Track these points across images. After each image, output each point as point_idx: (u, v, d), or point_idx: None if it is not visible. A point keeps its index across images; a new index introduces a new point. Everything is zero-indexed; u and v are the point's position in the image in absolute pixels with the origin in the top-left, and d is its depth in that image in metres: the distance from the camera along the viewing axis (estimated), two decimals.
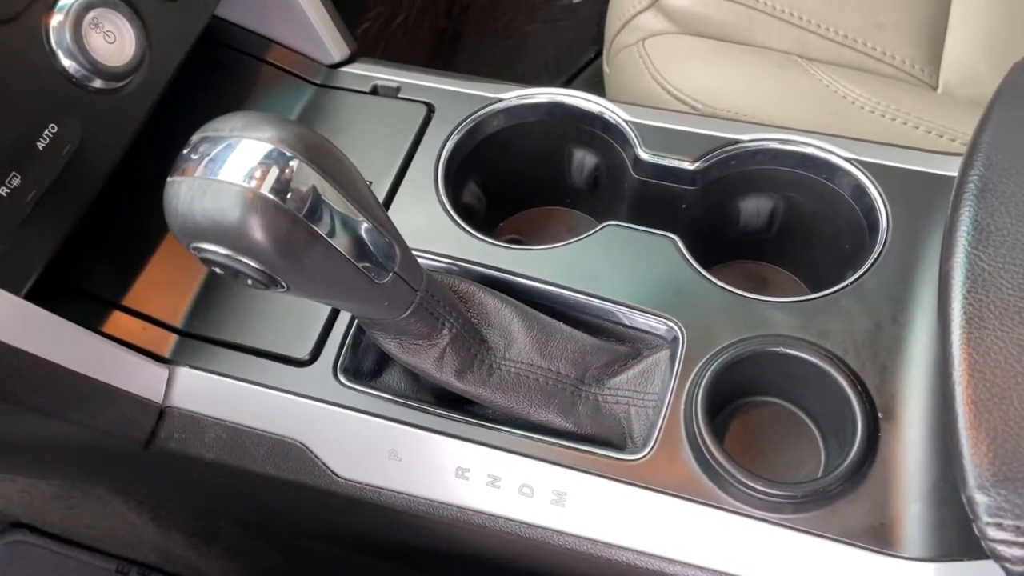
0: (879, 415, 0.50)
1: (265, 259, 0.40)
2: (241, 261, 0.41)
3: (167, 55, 0.56)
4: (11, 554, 1.14)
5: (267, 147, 0.40)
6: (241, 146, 0.40)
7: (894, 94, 0.84)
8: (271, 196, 0.39)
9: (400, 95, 0.70)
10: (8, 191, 0.48)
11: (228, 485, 0.63)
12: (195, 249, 0.41)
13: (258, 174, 0.39)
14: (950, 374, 0.39)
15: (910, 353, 0.52)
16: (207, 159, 0.40)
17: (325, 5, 0.69)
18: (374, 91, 0.71)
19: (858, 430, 0.49)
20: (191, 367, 0.58)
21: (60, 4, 0.50)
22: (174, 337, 0.59)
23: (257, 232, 0.39)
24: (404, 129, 0.66)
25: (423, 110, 0.68)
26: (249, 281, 0.43)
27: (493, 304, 0.55)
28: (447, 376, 0.53)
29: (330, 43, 0.70)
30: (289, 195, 0.40)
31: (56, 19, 0.50)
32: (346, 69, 0.72)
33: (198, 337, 0.59)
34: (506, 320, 0.55)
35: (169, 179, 0.41)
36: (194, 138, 0.41)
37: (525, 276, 0.58)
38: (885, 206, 0.59)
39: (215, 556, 0.94)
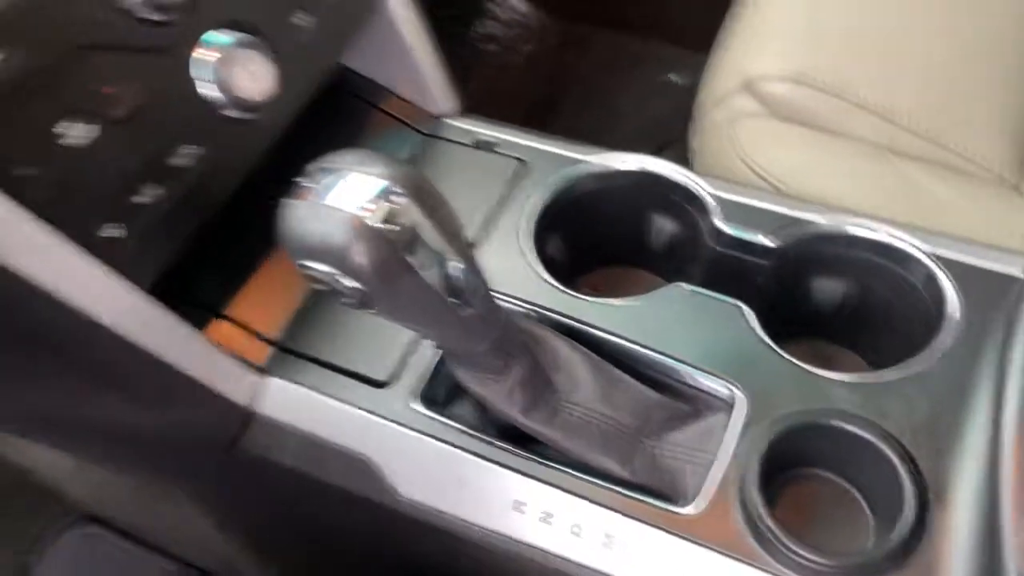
0: (930, 497, 0.51)
1: (364, 281, 0.45)
2: (341, 281, 0.45)
3: (296, 94, 0.62)
4: (83, 546, 1.20)
5: (378, 182, 0.44)
6: (355, 179, 0.45)
7: (981, 195, 0.85)
8: (376, 226, 0.43)
9: (496, 149, 0.75)
10: (142, 200, 0.54)
11: (301, 496, 0.67)
12: (301, 266, 0.46)
13: (367, 205, 0.44)
14: (998, 455, 0.40)
15: (968, 442, 0.53)
16: (323, 187, 0.45)
17: (438, 62, 0.75)
18: (473, 144, 0.76)
19: (908, 509, 0.50)
20: (281, 378, 0.62)
21: (207, 39, 0.57)
22: (269, 349, 0.63)
23: (360, 257, 0.43)
24: (497, 180, 0.71)
25: (516, 165, 0.72)
26: (344, 299, 0.47)
27: (564, 350, 0.58)
28: (514, 411, 0.56)
29: (439, 97, 0.76)
30: (392, 227, 0.44)
31: (202, 52, 0.56)
32: (450, 121, 0.78)
33: (290, 351, 0.63)
34: (574, 366, 0.58)
35: (286, 201, 0.45)
36: (312, 168, 0.46)
37: (595, 327, 0.61)
38: (959, 301, 0.60)
39: (275, 572, 0.97)
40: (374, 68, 0.76)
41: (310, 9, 0.62)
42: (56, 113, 0.49)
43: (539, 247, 0.69)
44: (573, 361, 0.58)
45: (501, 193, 0.70)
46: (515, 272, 0.65)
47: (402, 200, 0.44)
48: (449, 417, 0.59)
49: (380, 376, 0.61)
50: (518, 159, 0.73)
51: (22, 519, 1.21)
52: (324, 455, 0.61)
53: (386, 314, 0.49)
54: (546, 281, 0.65)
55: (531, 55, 1.71)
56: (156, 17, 0.53)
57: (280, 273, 0.66)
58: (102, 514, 1.18)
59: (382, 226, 0.44)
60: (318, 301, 0.65)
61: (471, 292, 0.50)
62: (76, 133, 0.50)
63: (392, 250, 0.44)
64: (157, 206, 0.55)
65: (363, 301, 0.47)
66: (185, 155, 0.56)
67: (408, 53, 0.73)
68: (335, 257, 0.44)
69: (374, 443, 0.59)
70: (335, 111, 0.73)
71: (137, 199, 0.54)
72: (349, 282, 0.45)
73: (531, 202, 0.69)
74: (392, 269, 0.45)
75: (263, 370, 0.63)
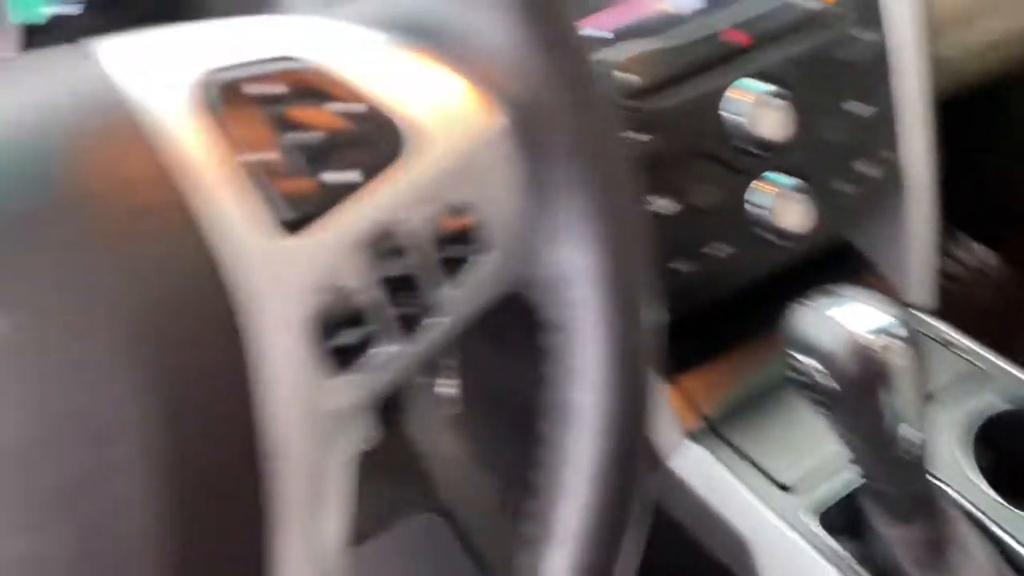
0: None
1: (841, 385, 0.54)
2: (818, 379, 0.55)
3: (818, 238, 0.75)
4: (423, 533, 1.36)
5: (884, 318, 0.54)
6: (862, 308, 0.55)
7: None
8: (874, 351, 0.53)
9: (954, 349, 0.80)
10: (676, 267, 0.70)
11: (665, 553, 0.76)
12: (790, 355, 0.57)
13: (868, 332, 0.53)
14: None
15: None
16: (830, 304, 0.55)
17: (934, 259, 0.83)
18: (935, 339, 0.82)
19: None
20: (700, 446, 0.73)
21: (769, 176, 0.72)
22: (701, 422, 0.75)
23: (847, 364, 0.53)
24: (949, 375, 0.77)
25: (970, 368, 0.78)
26: (810, 393, 0.57)
27: (972, 537, 0.61)
28: (907, 561, 0.60)
29: (919, 290, 0.84)
30: (882, 360, 0.53)
31: (763, 184, 0.72)
32: (917, 313, 0.85)
33: (716, 431, 0.74)
34: (978, 553, 0.61)
35: (797, 306, 0.57)
36: (825, 289, 0.57)
37: (1009, 532, 0.64)
38: None
39: None
40: (868, 237, 0.87)
41: (854, 181, 0.76)
42: (657, 186, 0.67)
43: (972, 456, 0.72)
44: (978, 548, 0.61)
45: (950, 386, 0.76)
46: (943, 458, 0.69)
47: (897, 344, 0.53)
48: (837, 540, 0.65)
49: (785, 481, 0.69)
50: (973, 364, 0.78)
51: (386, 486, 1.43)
52: (709, 523, 0.70)
53: (838, 422, 0.57)
54: (970, 478, 0.68)
55: (985, 303, 1.69)
56: (748, 149, 0.70)
57: (735, 368, 0.78)
58: (453, 511, 1.34)
59: (874, 350, 0.53)
60: (755, 402, 0.76)
61: (912, 454, 0.57)
62: (662, 205, 0.68)
63: (873, 373, 0.53)
64: (683, 276, 0.70)
65: (827, 401, 0.56)
66: (717, 248, 0.71)
67: (909, 240, 0.83)
68: (826, 356, 0.54)
69: (760, 534, 0.67)
70: (823, 261, 0.84)
71: (673, 265, 0.70)
72: (825, 380, 0.55)
73: (978, 404, 0.74)
74: (865, 387, 0.54)
75: (690, 434, 0.74)
